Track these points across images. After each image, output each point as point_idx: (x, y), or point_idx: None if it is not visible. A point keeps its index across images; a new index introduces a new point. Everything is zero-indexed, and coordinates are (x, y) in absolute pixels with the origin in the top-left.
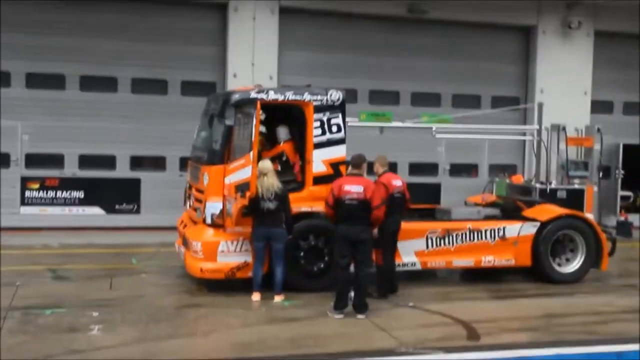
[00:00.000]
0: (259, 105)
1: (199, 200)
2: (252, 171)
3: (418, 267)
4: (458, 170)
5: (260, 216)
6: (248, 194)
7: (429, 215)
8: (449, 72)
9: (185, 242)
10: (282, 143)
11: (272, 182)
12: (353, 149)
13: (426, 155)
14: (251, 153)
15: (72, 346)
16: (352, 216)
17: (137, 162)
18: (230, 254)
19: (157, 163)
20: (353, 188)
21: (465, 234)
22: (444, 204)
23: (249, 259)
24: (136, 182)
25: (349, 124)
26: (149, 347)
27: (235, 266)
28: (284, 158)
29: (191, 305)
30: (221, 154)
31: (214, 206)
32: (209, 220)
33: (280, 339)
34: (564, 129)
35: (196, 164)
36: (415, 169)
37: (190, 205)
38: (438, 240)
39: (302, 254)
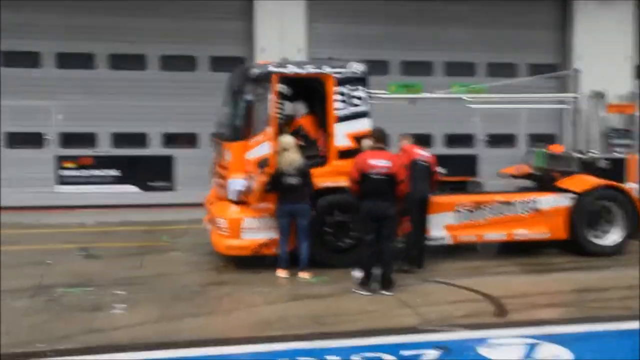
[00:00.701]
0: (275, 79)
1: (223, 177)
2: (271, 147)
3: (448, 241)
4: (495, 140)
5: (283, 192)
6: (267, 170)
7: (461, 188)
8: (483, 41)
9: (212, 219)
10: (299, 118)
11: (293, 157)
12: (383, 122)
13: (462, 127)
14: (269, 128)
15: (91, 325)
16: (378, 191)
17: (170, 140)
18: (255, 231)
19: (189, 140)
20: (380, 162)
21: (497, 207)
22: (481, 176)
23: (275, 235)
24: (169, 160)
25: (378, 96)
26: (167, 326)
27: (261, 243)
28: (302, 132)
29: (216, 282)
30: (242, 130)
31: (237, 183)
32: (232, 197)
33: (302, 316)
34: (603, 96)
35: (219, 140)
36: (451, 140)
37: (216, 182)
38: (468, 213)
39: (328, 229)
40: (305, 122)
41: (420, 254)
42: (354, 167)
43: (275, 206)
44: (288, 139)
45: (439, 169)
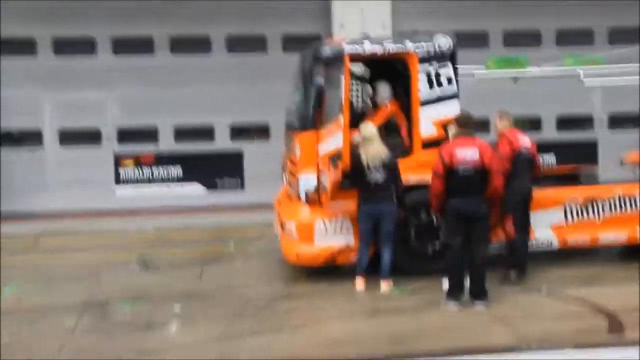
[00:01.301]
0: (347, 60)
1: (293, 174)
2: (344, 138)
3: (555, 245)
4: (619, 121)
5: (366, 191)
6: (341, 165)
7: (572, 179)
8: (602, 3)
9: (282, 223)
10: (386, 104)
11: (378, 150)
12: (479, 105)
13: (578, 106)
14: (341, 116)
15: (143, 345)
16: (467, 188)
17: (238, 132)
18: (329, 236)
19: (260, 132)
20: (467, 153)
21: (615, 202)
22: (602, 164)
23: (351, 240)
24: (238, 155)
25: (472, 74)
26: (227, 346)
27: (336, 250)
28: (393, 121)
29: (285, 296)
30: (312, 119)
31: (307, 180)
32: (303, 197)
33: (378, 335)
34: None
35: (289, 131)
36: (565, 123)
37: (286, 180)
38: (580, 210)
39: (412, 232)
40: (395, 108)
41: (522, 260)
42: (437, 161)
43: (357, 208)
44: (370, 129)
45: (543, 158)
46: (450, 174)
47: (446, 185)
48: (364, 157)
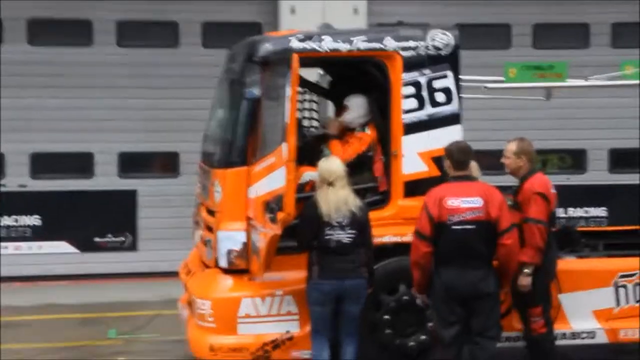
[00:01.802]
0: (296, 62)
1: (209, 228)
2: (287, 176)
3: (602, 338)
4: None
5: (323, 258)
6: (281, 215)
7: (627, 245)
8: None
9: (190, 301)
10: (361, 129)
11: (344, 197)
12: (493, 133)
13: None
14: (285, 145)
15: None
16: (464, 254)
17: (130, 164)
18: (260, 320)
19: (163, 165)
20: (464, 202)
21: None
22: None
23: (294, 328)
24: (129, 198)
25: (487, 86)
26: None
27: (270, 341)
28: (370, 152)
29: None
30: (242, 148)
31: (231, 238)
32: (223, 263)
33: None
34: None
35: (207, 165)
36: (622, 161)
37: (199, 237)
38: (637, 290)
39: (386, 317)
40: (374, 137)
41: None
42: (421, 214)
43: (308, 282)
44: (333, 165)
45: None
46: (439, 232)
47: (435, 251)
48: (322, 207)
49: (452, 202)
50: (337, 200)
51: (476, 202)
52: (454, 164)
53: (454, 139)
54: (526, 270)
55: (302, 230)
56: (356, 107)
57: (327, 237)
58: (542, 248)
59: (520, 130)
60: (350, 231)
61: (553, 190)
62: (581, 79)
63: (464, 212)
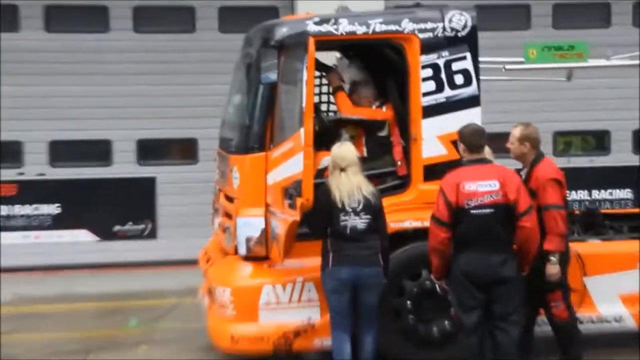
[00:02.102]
0: (312, 45)
1: (228, 215)
2: (306, 161)
3: (630, 323)
4: None
5: (337, 245)
6: (300, 201)
7: None
8: None
9: (210, 289)
10: (377, 105)
11: (357, 182)
12: (513, 115)
13: None
14: (302, 130)
15: None
16: (484, 237)
17: (148, 152)
18: (282, 309)
19: (181, 152)
20: (481, 185)
21: None
22: None
23: (315, 315)
24: (148, 186)
25: (507, 67)
26: None
27: (292, 330)
28: (384, 133)
29: None
30: (259, 133)
31: (250, 224)
32: (242, 250)
33: None
34: None
35: (224, 152)
36: None
37: (218, 225)
38: None
39: (409, 304)
40: (390, 115)
41: (578, 352)
42: (438, 199)
43: (322, 270)
44: (346, 150)
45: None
46: (458, 217)
47: (453, 236)
48: (335, 193)
49: (469, 187)
50: (350, 186)
51: (493, 185)
52: (468, 147)
53: (479, 121)
54: (552, 259)
55: (315, 217)
56: (364, 90)
57: (342, 223)
58: (566, 234)
59: (541, 112)
60: (364, 217)
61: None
62: (603, 59)
63: (482, 195)
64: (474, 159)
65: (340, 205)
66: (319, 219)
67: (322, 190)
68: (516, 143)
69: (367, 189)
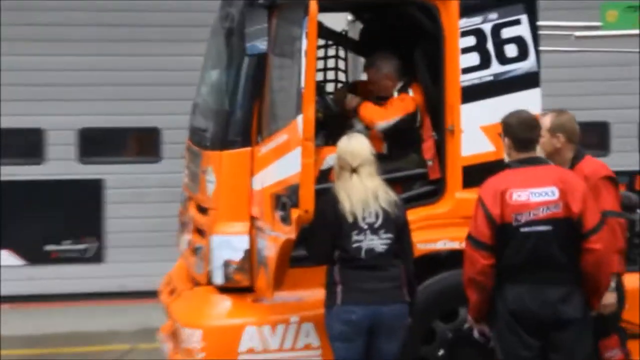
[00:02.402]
0: (314, 5)
1: (200, 232)
2: (304, 159)
3: None
4: None
5: (351, 272)
6: (296, 214)
7: None
8: None
9: (174, 331)
10: (403, 90)
11: (372, 188)
12: (577, 99)
13: None
14: (300, 117)
15: None
16: (538, 264)
17: (95, 145)
18: (269, 358)
19: (139, 145)
20: (535, 194)
21: None
22: None
23: None
24: (93, 190)
25: (576, 35)
26: None
27: None
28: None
29: None
30: (243, 122)
31: (229, 244)
32: (219, 279)
33: None
34: None
35: (196, 147)
36: None
37: (186, 243)
38: None
39: (441, 353)
40: (420, 100)
41: None
42: (476, 213)
43: (327, 308)
44: (358, 145)
45: None
46: (503, 239)
47: (497, 263)
48: (344, 202)
49: (519, 196)
50: (365, 193)
51: (551, 193)
52: (515, 143)
53: (533, 109)
54: (612, 284)
55: (317, 236)
56: (385, 65)
57: (356, 245)
58: (625, 250)
59: (620, 95)
60: (385, 236)
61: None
62: None
63: (536, 207)
64: (524, 158)
65: (351, 220)
66: (323, 239)
67: (326, 199)
68: (546, 135)
69: (388, 197)
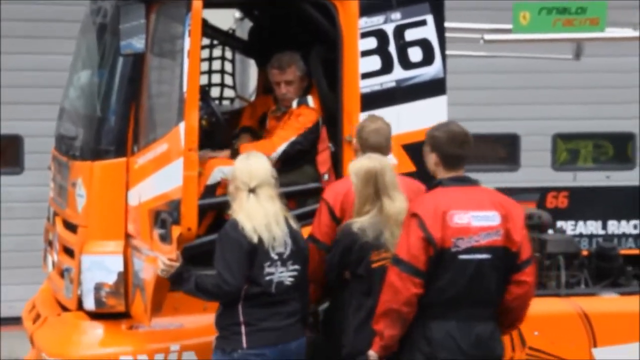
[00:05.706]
0: (197, 4)
1: (69, 252)
2: (187, 171)
3: None
4: None
5: (257, 310)
6: (177, 231)
7: None
8: None
9: None
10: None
11: (274, 212)
12: (486, 109)
13: None
14: (182, 124)
15: None
16: (472, 297)
17: None
18: None
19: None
20: (476, 218)
21: None
22: None
23: None
24: None
25: (486, 38)
26: None
27: None
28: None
29: None
30: (117, 130)
31: (101, 265)
32: (90, 304)
33: None
34: None
35: (64, 157)
36: None
37: (52, 264)
38: None
39: None
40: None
41: None
42: (410, 234)
43: (225, 352)
44: (256, 164)
45: None
46: (438, 266)
47: (429, 292)
48: (244, 225)
49: (460, 218)
50: (266, 217)
51: (492, 218)
52: (444, 160)
53: (439, 119)
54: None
55: (225, 270)
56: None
57: (268, 277)
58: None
59: (532, 105)
60: (292, 267)
61: None
62: (629, 28)
63: (477, 233)
64: (455, 177)
65: (266, 248)
66: (233, 274)
67: (233, 223)
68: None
69: (292, 222)
